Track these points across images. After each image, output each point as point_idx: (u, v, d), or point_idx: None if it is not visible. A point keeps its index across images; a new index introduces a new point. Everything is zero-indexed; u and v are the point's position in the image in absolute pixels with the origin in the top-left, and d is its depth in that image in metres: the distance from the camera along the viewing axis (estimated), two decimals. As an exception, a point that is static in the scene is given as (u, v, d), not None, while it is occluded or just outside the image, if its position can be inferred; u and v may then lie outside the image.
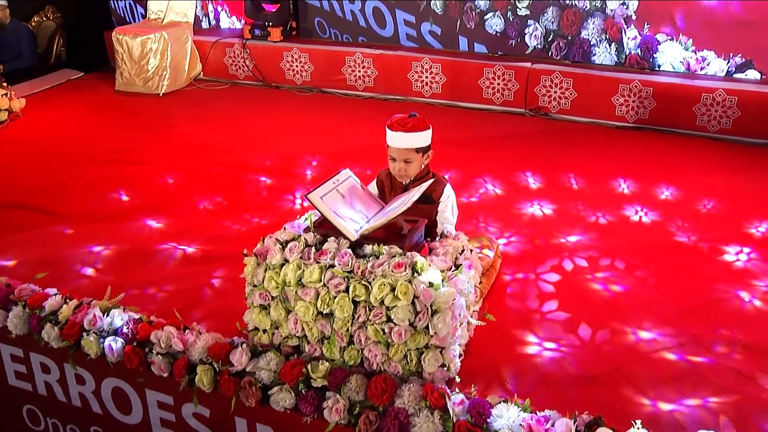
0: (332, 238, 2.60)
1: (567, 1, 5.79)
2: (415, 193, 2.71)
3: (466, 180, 4.57)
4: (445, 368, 2.54)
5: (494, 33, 6.13)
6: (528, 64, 5.77)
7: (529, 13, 5.95)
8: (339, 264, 2.50)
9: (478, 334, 2.89)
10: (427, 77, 6.10)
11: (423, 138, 2.93)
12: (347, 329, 2.53)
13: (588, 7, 5.73)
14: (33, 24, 7.75)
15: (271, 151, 5.10)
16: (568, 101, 5.67)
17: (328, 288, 2.50)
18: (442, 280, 2.48)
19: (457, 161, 4.86)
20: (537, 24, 5.93)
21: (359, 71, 6.36)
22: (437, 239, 2.81)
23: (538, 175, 4.63)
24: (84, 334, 2.88)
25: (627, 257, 3.59)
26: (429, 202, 3.04)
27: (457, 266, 2.61)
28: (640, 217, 4.07)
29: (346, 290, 2.48)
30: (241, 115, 5.93)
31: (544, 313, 3.15)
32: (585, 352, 2.88)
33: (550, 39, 5.97)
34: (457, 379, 2.57)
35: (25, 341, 3.07)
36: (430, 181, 2.86)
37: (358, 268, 2.48)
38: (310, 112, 6.06)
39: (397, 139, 2.92)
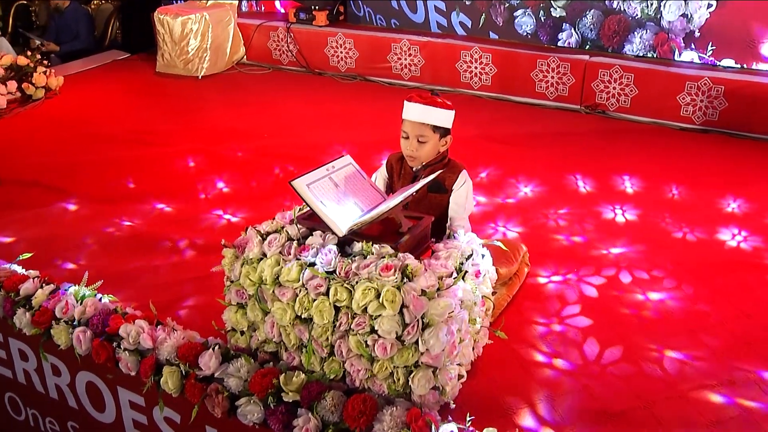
0: (318, 233, 2.27)
1: (613, 4, 5.16)
2: (420, 184, 2.36)
3: (506, 178, 4.17)
4: (438, 391, 2.16)
5: (524, 34, 5.68)
6: (586, 57, 5.28)
7: (564, 14, 5.43)
8: (321, 262, 2.16)
9: (488, 353, 2.50)
10: (476, 68, 5.70)
11: (442, 116, 2.60)
12: (327, 338, 2.19)
13: (639, 15, 5.09)
14: (92, 7, 7.77)
15: (301, 139, 4.82)
16: (628, 99, 5.15)
17: (307, 289, 2.17)
18: (438, 289, 2.11)
19: (499, 158, 4.47)
20: (573, 29, 5.41)
21: (405, 59, 6.01)
22: (443, 240, 2.43)
23: (588, 178, 4.18)
24: (54, 322, 2.64)
25: (676, 274, 3.13)
26: (441, 191, 2.70)
27: (461, 273, 2.23)
28: (684, 233, 3.55)
29: (327, 293, 2.14)
30: (278, 101, 5.68)
31: (568, 333, 2.73)
32: (612, 384, 2.45)
33: (586, 48, 5.46)
34: (452, 405, 2.20)
35: (3, 325, 2.87)
36: (441, 170, 2.50)
37: (342, 268, 2.13)
38: (350, 100, 5.75)
39: (412, 111, 2.60)
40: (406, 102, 2.63)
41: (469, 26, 5.97)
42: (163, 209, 3.83)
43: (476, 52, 5.63)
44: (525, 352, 2.60)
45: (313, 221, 2.32)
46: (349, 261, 2.14)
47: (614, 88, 5.17)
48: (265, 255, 2.26)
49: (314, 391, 2.15)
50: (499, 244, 2.52)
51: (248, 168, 4.32)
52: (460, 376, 2.29)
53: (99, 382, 2.68)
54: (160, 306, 2.93)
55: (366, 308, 2.07)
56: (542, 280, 3.08)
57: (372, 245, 2.18)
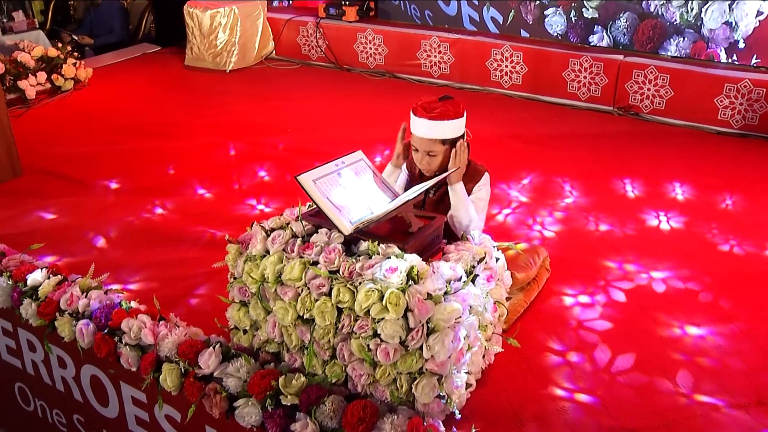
0: (323, 230, 2.18)
1: (650, 6, 4.88)
2: (430, 182, 2.26)
3: (533, 180, 4.03)
4: (443, 400, 2.06)
5: (554, 34, 5.52)
6: (620, 57, 5.10)
7: (597, 15, 5.22)
8: (324, 261, 2.07)
9: (500, 361, 2.39)
10: (506, 66, 5.55)
11: (451, 128, 2.46)
12: (328, 340, 2.10)
13: (677, 21, 4.81)
14: (127, 1, 7.82)
15: (326, 135, 4.74)
16: (663, 100, 4.96)
17: (309, 289, 2.08)
18: (446, 293, 2.01)
19: (525, 158, 4.34)
20: (605, 32, 5.20)
21: (435, 56, 5.89)
22: (455, 242, 2.32)
23: (619, 181, 4.01)
24: (58, 314, 2.60)
25: (711, 290, 2.94)
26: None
27: (472, 276, 2.12)
28: (732, 245, 3.34)
29: (330, 293, 2.05)
30: (305, 97, 5.61)
31: (588, 344, 2.59)
32: (629, 400, 2.31)
33: (617, 53, 5.25)
34: (458, 416, 2.08)
35: (11, 315, 2.84)
36: (455, 170, 2.39)
37: (346, 268, 2.04)
38: (378, 97, 5.65)
39: (419, 127, 2.47)
40: (411, 114, 2.51)
41: (501, 22, 5.83)
42: (181, 202, 3.78)
43: (507, 50, 5.49)
44: (540, 361, 2.47)
45: (319, 218, 2.24)
46: (353, 261, 2.05)
47: (649, 90, 4.98)
48: (268, 252, 2.18)
49: (314, 395, 2.07)
50: (515, 247, 2.39)
51: (268, 163, 4.26)
52: (468, 385, 2.18)
53: (103, 377, 2.63)
54: (171, 299, 2.90)
55: (369, 311, 1.98)
56: (563, 287, 2.94)
57: (378, 245, 2.09)
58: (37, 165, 4.18)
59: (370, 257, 2.05)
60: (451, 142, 2.51)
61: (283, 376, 2.13)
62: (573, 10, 5.35)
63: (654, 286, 2.96)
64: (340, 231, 2.13)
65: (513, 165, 4.21)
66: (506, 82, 5.60)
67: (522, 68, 5.48)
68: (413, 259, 2.02)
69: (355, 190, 2.29)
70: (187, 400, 2.29)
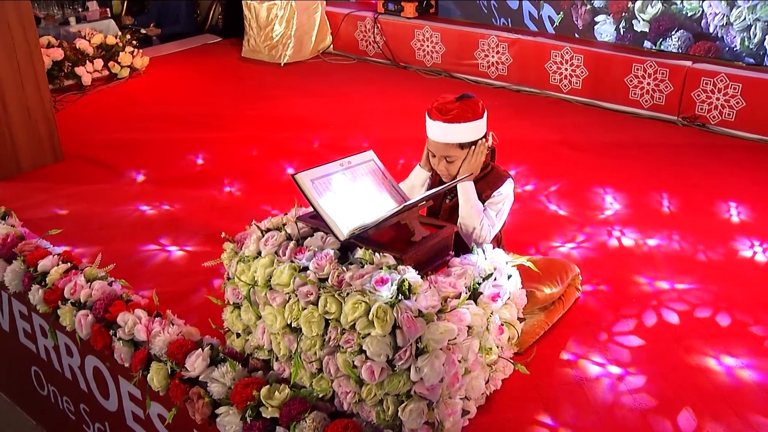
0: (320, 234, 2.05)
1: (709, 27, 4.42)
2: (435, 190, 2.09)
3: (579, 189, 3.78)
4: (433, 427, 1.88)
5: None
6: (688, 63, 4.74)
7: (647, 30, 4.87)
8: (314, 268, 1.93)
9: (508, 387, 2.19)
10: (566, 69, 5.28)
11: (469, 131, 2.27)
12: (315, 352, 1.96)
13: (738, 47, 4.39)
14: (195, -8, 7.93)
15: (371, 133, 4.61)
16: (733, 111, 4.58)
17: (297, 296, 1.95)
18: (441, 311, 1.83)
19: (574, 166, 4.08)
20: (653, 48, 4.84)
21: (493, 56, 5.67)
22: (462, 255, 2.13)
23: (676, 197, 3.71)
24: (61, 302, 2.56)
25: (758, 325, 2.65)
26: (478, 199, 2.38)
27: (473, 294, 1.94)
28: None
29: (318, 303, 1.91)
30: (356, 93, 5.49)
31: (611, 375, 2.35)
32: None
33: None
34: (449, 445, 1.91)
35: (26, 299, 2.83)
36: (465, 177, 2.21)
37: (335, 276, 1.89)
38: (431, 97, 5.37)
39: (434, 131, 2.30)
40: (426, 117, 2.33)
41: (556, 21, 5.56)
42: (213, 194, 3.73)
43: (567, 53, 5.22)
44: (554, 391, 2.25)
45: (318, 221, 2.10)
46: (343, 269, 1.90)
47: (717, 99, 4.62)
48: (260, 254, 2.06)
49: (295, 410, 1.93)
50: (527, 263, 2.18)
51: (297, 159, 4.16)
52: (465, 412, 2.00)
53: (103, 369, 2.58)
54: (179, 295, 2.83)
55: (355, 324, 1.83)
56: (593, 308, 2.70)
57: (373, 253, 1.93)
58: (79, 151, 4.22)
59: (363, 266, 1.90)
60: (471, 146, 2.32)
61: (268, 386, 2.01)
62: (624, 21, 5.03)
63: (689, 317, 2.69)
64: (335, 236, 1.99)
65: (555, 172, 3.97)
66: (565, 85, 5.33)
67: (582, 72, 5.19)
68: (407, 272, 1.85)
69: (358, 192, 2.14)
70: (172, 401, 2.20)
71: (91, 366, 2.63)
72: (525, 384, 2.22)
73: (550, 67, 5.36)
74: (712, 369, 2.37)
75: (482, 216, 2.29)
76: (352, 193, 2.12)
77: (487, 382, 2.10)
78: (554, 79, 5.37)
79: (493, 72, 5.72)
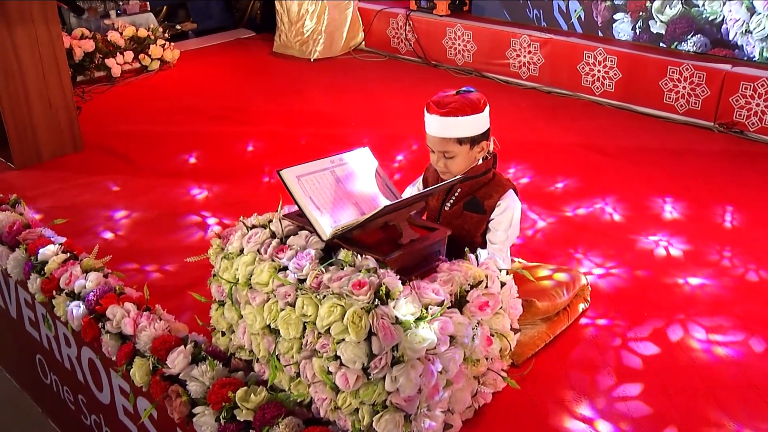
0: (304, 233, 1.98)
1: (729, 34, 4.16)
2: (428, 190, 1.99)
3: (597, 194, 3.63)
4: (410, 440, 1.80)
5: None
6: (727, 67, 4.53)
7: (663, 32, 4.65)
8: (293, 268, 1.86)
9: (501, 401, 2.08)
10: (599, 71, 5.10)
11: (467, 125, 2.18)
12: (293, 355, 1.89)
13: (756, 57, 4.15)
14: (233, -14, 7.95)
15: (393, 131, 4.50)
16: (774, 118, 4.36)
17: (276, 296, 1.88)
18: (420, 318, 1.74)
19: (592, 170, 3.93)
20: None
21: (525, 56, 5.52)
22: (452, 260, 2.03)
23: (703, 208, 3.50)
24: (55, 292, 2.55)
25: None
26: (479, 210, 2.29)
27: (459, 302, 1.84)
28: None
29: (295, 304, 1.84)
30: (384, 91, 5.41)
31: (614, 392, 2.22)
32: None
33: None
34: (426, 460, 1.81)
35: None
36: (461, 178, 2.11)
37: (313, 277, 1.82)
38: (459, 96, 5.34)
39: (431, 124, 2.21)
40: (425, 111, 2.24)
41: (573, 17, 5.39)
42: (217, 189, 3.70)
43: (600, 54, 5.04)
44: (549, 409, 2.13)
45: (303, 219, 2.03)
46: (322, 270, 1.82)
47: (758, 105, 4.39)
48: (242, 250, 2.00)
49: (269, 414, 1.86)
50: (525, 272, 2.07)
51: (315, 156, 4.07)
52: (447, 426, 1.90)
53: (97, 361, 2.56)
54: (178, 289, 2.79)
55: (330, 329, 1.75)
56: (600, 321, 2.57)
57: (355, 255, 1.85)
58: (99, 141, 4.25)
59: (342, 268, 1.82)
60: (471, 142, 2.23)
61: (245, 388, 1.95)
62: (641, 20, 4.82)
63: (702, 335, 2.53)
64: (318, 235, 1.92)
65: (571, 174, 3.82)
66: (597, 88, 5.15)
67: (615, 74, 5.01)
68: (386, 276, 1.77)
69: (346, 191, 2.06)
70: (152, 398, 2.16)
71: (87, 357, 2.62)
72: (519, 399, 2.12)
73: (582, 68, 5.18)
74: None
75: (498, 242, 2.25)
76: (341, 191, 2.05)
77: (474, 395, 2.00)
78: (586, 81, 5.20)
79: (524, 72, 5.58)
